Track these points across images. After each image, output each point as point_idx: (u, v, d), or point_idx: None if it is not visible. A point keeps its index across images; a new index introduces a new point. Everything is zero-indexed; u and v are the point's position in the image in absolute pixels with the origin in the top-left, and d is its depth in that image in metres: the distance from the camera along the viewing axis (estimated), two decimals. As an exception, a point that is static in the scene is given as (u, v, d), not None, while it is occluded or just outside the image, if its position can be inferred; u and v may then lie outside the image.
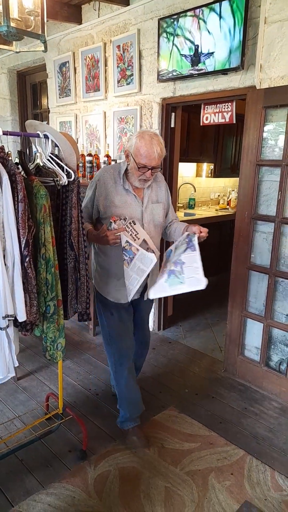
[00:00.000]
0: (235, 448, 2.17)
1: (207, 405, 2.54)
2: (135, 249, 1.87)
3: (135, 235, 1.94)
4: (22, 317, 1.68)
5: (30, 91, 4.82)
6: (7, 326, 1.68)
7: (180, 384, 2.75)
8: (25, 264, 1.66)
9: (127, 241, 1.87)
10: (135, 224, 1.94)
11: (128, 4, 3.12)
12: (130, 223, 1.93)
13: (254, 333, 2.77)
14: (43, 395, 2.54)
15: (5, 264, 1.60)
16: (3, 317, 1.63)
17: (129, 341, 2.17)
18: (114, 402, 1.89)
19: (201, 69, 2.66)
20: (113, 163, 3.52)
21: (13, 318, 1.67)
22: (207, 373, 2.94)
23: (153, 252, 1.93)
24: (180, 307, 3.75)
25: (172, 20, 2.77)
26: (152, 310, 3.12)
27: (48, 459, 2.07)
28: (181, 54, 2.77)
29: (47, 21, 1.67)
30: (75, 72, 3.77)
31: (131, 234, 1.93)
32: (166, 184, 2.13)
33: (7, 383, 2.18)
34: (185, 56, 2.74)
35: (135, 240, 1.93)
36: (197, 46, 2.66)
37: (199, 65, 2.67)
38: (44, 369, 2.89)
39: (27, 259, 1.65)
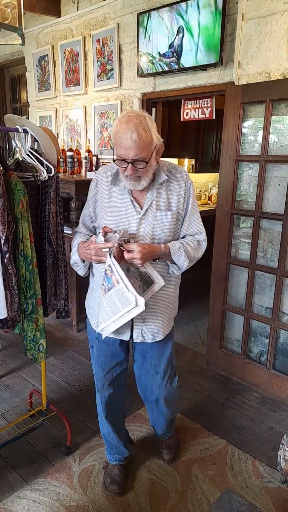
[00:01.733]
0: (218, 439, 2.21)
1: (190, 398, 2.58)
2: (115, 280, 1.42)
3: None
4: (3, 314, 1.67)
5: (9, 84, 4.73)
6: (-12, 324, 1.66)
7: (163, 377, 2.79)
8: (5, 261, 1.65)
9: (110, 265, 1.43)
10: (129, 242, 1.47)
11: (107, -2, 3.10)
12: (124, 240, 1.46)
13: (235, 326, 2.82)
14: (26, 392, 2.53)
15: (-16, 261, 1.59)
16: (-17, 314, 1.61)
17: (114, 389, 1.80)
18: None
19: (181, 64, 2.67)
20: (94, 158, 3.51)
21: (-6, 315, 1.66)
22: (190, 366, 2.98)
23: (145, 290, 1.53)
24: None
25: (151, 14, 2.76)
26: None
27: (32, 455, 2.06)
28: (161, 49, 2.77)
29: (24, 13, 1.65)
30: (54, 66, 3.73)
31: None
32: (188, 186, 1.60)
33: (-11, 381, 2.19)
34: (164, 51, 2.75)
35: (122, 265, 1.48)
36: (176, 41, 2.67)
37: (178, 60, 2.68)
38: (27, 367, 2.87)
39: (7, 255, 1.64)
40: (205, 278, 3.00)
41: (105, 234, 1.48)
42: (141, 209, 1.54)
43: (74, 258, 1.67)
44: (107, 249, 1.43)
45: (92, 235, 1.66)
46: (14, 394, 2.55)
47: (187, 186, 1.60)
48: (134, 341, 1.66)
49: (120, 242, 1.43)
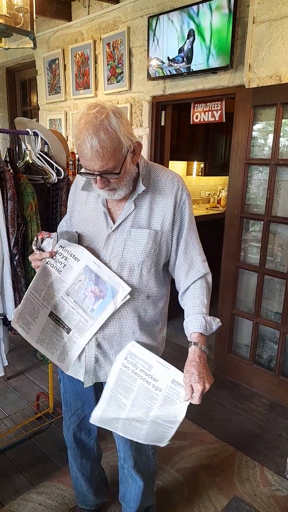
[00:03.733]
0: (225, 445, 2.19)
1: (197, 403, 2.55)
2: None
3: (64, 266, 1.22)
4: (11, 316, 1.67)
5: (19, 88, 4.78)
6: (-4, 325, 1.66)
7: (170, 382, 2.76)
8: (15, 263, 1.66)
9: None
10: (65, 247, 1.22)
11: (117, 2, 3.11)
12: (61, 246, 1.22)
13: (243, 331, 2.79)
14: (33, 394, 2.53)
15: (-6, 263, 1.59)
16: (-8, 316, 1.62)
17: (82, 434, 1.53)
18: None
19: (191, 68, 2.67)
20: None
21: (3, 317, 1.67)
22: (198, 370, 2.95)
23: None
24: (170, 305, 3.74)
25: (162, 18, 2.77)
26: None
27: (39, 458, 2.06)
28: (171, 52, 2.77)
29: (36, 17, 1.66)
30: (64, 69, 3.75)
31: (63, 265, 1.22)
32: (182, 199, 1.24)
33: (-4, 383, 2.20)
34: (174, 55, 2.74)
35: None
36: (186, 44, 2.66)
37: (188, 64, 2.68)
38: (34, 369, 2.87)
39: (17, 257, 1.64)
40: (212, 281, 2.98)
41: (42, 241, 1.25)
42: (114, 224, 1.23)
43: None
44: (45, 260, 1.23)
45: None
46: (21, 396, 2.56)
47: (179, 200, 1.23)
48: (85, 385, 1.34)
49: (61, 245, 1.21)
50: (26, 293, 1.22)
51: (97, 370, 1.31)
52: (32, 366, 2.91)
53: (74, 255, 1.20)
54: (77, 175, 1.37)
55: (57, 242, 1.22)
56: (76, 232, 1.27)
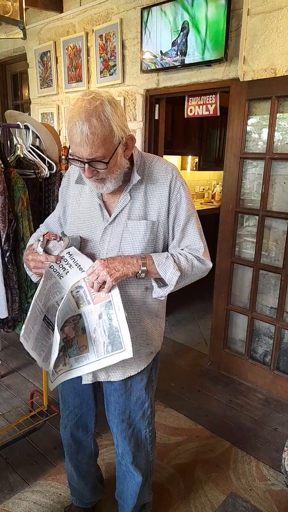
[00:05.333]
0: (221, 440, 2.18)
1: (192, 399, 2.54)
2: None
3: (67, 272, 1.19)
4: (3, 313, 1.64)
5: (10, 81, 4.69)
6: (-12, 323, 1.63)
7: (165, 378, 2.75)
8: (6, 259, 1.62)
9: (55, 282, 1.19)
10: (72, 255, 1.18)
11: (110, -7, 3.06)
12: (69, 252, 1.18)
13: (239, 326, 2.78)
14: (27, 392, 2.50)
15: (-15, 260, 1.56)
16: (-17, 314, 1.58)
17: (79, 432, 1.51)
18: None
19: (185, 61, 2.63)
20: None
21: (-5, 315, 1.64)
22: (193, 366, 2.95)
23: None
24: (166, 301, 3.73)
25: (155, 9, 2.72)
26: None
27: (33, 456, 2.04)
28: (165, 45, 2.73)
29: (26, 8, 1.62)
30: (56, 62, 3.69)
31: (65, 272, 1.19)
32: (176, 187, 1.22)
33: (-10, 381, 2.17)
34: (168, 48, 2.70)
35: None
36: (180, 36, 2.62)
37: (182, 56, 2.64)
38: (28, 366, 2.84)
39: (8, 254, 1.61)
40: (208, 276, 2.97)
41: (47, 242, 1.20)
42: (110, 216, 1.22)
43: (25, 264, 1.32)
44: (49, 263, 1.17)
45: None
46: (15, 394, 2.53)
47: (174, 188, 1.21)
48: (84, 382, 1.31)
49: (69, 252, 1.16)
50: (31, 303, 1.18)
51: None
52: (26, 363, 2.88)
53: (79, 265, 1.17)
54: (69, 168, 1.34)
55: (67, 247, 1.18)
56: (80, 236, 1.24)
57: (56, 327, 1.11)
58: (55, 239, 1.18)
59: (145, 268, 1.15)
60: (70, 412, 1.47)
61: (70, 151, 1.10)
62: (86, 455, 1.57)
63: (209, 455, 2.08)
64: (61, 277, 1.18)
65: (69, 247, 1.18)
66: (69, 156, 1.10)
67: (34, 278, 1.33)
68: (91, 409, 1.46)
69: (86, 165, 1.08)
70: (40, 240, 1.19)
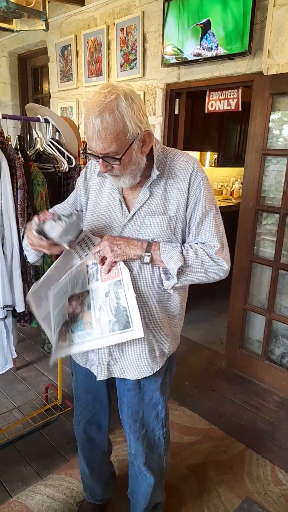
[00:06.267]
0: (235, 442, 2.15)
1: (207, 398, 2.51)
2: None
3: (86, 254, 1.21)
4: (20, 307, 1.64)
5: (31, 75, 4.71)
6: (5, 317, 1.64)
7: (179, 376, 2.73)
8: (24, 253, 1.62)
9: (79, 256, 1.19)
10: (90, 237, 1.21)
11: (132, -15, 3.01)
12: (87, 235, 1.20)
13: (256, 326, 2.73)
14: (42, 385, 2.52)
15: (3, 253, 1.56)
16: (1, 307, 1.59)
17: (92, 430, 1.50)
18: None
19: (207, 54, 2.58)
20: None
21: (12, 309, 1.64)
22: (207, 365, 2.91)
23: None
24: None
25: (178, 2, 2.67)
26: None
27: (47, 450, 2.05)
28: (187, 36, 2.67)
29: (48, 1, 1.60)
30: (77, 56, 3.67)
31: (85, 254, 1.21)
32: (196, 182, 1.17)
33: (6, 373, 2.16)
34: (190, 39, 2.65)
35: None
36: (203, 29, 2.57)
37: (205, 49, 2.58)
38: (43, 360, 2.86)
39: (26, 248, 1.60)
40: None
41: (44, 223, 1.12)
42: (129, 212, 1.21)
43: (25, 239, 1.29)
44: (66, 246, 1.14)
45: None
46: (30, 387, 2.55)
47: (193, 183, 1.17)
48: (98, 378, 1.28)
49: (86, 235, 1.14)
50: (48, 270, 1.18)
51: (111, 364, 1.28)
52: (41, 357, 2.90)
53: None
54: (90, 160, 1.32)
55: (71, 229, 1.14)
56: (78, 213, 1.21)
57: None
58: (52, 219, 1.11)
59: (149, 253, 1.14)
60: (84, 409, 1.47)
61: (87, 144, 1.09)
62: (99, 453, 1.56)
63: (223, 456, 2.05)
64: (81, 258, 1.20)
65: (71, 226, 1.13)
66: (87, 151, 1.09)
67: (31, 259, 1.32)
68: (104, 406, 1.44)
69: (100, 160, 1.07)
70: (35, 221, 1.12)
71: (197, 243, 1.19)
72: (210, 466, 1.98)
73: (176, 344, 1.37)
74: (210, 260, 1.17)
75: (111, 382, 1.39)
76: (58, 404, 2.20)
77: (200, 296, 3.92)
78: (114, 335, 1.14)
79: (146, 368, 1.27)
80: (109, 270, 1.16)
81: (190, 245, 1.19)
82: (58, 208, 1.40)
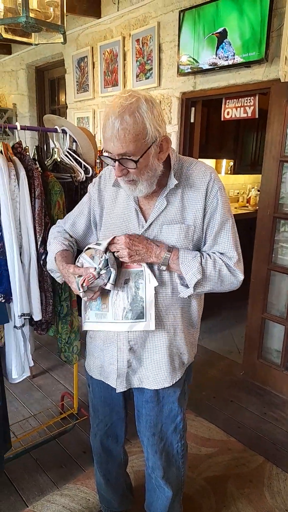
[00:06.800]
0: (254, 455, 2.10)
1: (225, 409, 2.47)
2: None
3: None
4: (38, 316, 1.65)
5: (48, 87, 4.80)
6: (23, 325, 1.65)
7: (197, 386, 2.69)
8: (41, 262, 1.63)
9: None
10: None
11: (148, -4, 3.05)
12: (106, 260, 1.12)
13: (274, 336, 2.68)
14: (58, 394, 2.52)
15: (21, 262, 1.57)
16: (19, 315, 1.60)
17: (109, 442, 1.48)
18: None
19: (223, 61, 2.58)
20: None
21: (29, 317, 1.65)
22: (225, 375, 2.86)
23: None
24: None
25: (194, 12, 2.69)
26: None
27: (63, 459, 2.04)
28: (202, 46, 2.68)
29: (66, 15, 1.63)
30: (93, 67, 3.73)
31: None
32: (213, 192, 1.17)
33: (22, 381, 2.16)
34: (207, 47, 2.66)
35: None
36: (219, 38, 2.57)
37: (221, 58, 2.58)
38: (59, 368, 2.87)
39: (43, 257, 1.62)
40: (242, 284, 2.88)
41: (91, 283, 1.12)
42: (146, 222, 1.19)
43: (50, 264, 1.31)
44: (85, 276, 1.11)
45: (71, 245, 1.31)
46: (46, 395, 2.55)
47: (210, 192, 1.16)
48: (118, 390, 1.27)
49: (107, 258, 1.12)
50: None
51: (130, 375, 1.27)
52: (57, 364, 2.90)
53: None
54: (104, 170, 1.31)
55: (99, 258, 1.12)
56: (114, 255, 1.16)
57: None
58: (93, 279, 1.10)
59: (166, 261, 1.14)
60: (100, 421, 1.45)
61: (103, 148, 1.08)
62: (116, 465, 1.54)
63: (242, 469, 2.00)
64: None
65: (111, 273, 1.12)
66: (103, 154, 1.08)
67: (60, 280, 1.35)
68: (121, 418, 1.43)
69: (116, 163, 1.05)
70: (78, 285, 1.10)
71: (214, 253, 1.18)
72: (229, 479, 1.93)
73: (194, 354, 1.35)
74: (227, 271, 1.16)
75: (127, 394, 1.38)
76: (74, 413, 2.19)
77: (218, 305, 3.88)
78: (126, 323, 1.16)
79: (165, 378, 1.25)
80: None
81: (208, 255, 1.17)
82: (76, 220, 1.34)
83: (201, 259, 1.14)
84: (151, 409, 1.31)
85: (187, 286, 1.16)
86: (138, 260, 1.13)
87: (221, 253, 1.18)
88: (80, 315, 1.91)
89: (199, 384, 2.71)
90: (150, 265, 1.17)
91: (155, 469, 1.39)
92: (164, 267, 1.14)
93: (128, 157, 1.03)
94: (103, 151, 1.09)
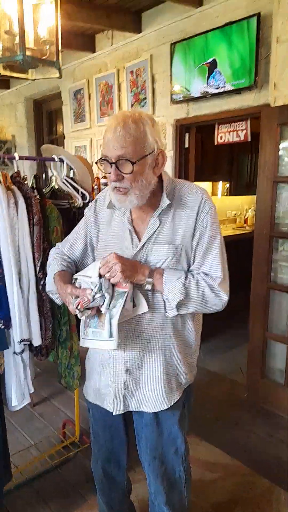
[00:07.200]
0: (261, 479, 2.04)
1: (229, 432, 2.42)
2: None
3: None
4: (37, 341, 1.65)
5: (46, 118, 4.96)
6: (23, 351, 1.65)
7: (200, 408, 2.64)
8: (40, 287, 1.65)
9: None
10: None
11: (140, 31, 3.20)
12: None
13: (277, 355, 2.66)
14: (59, 421, 2.48)
15: (20, 288, 1.59)
16: (18, 341, 1.60)
17: (111, 468, 1.46)
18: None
19: (214, 89, 2.68)
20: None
21: (29, 343, 1.65)
22: (229, 397, 2.82)
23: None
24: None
25: (184, 44, 2.82)
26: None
27: (65, 489, 1.99)
28: (193, 75, 2.80)
29: (62, 51, 1.72)
30: (89, 98, 3.86)
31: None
32: (204, 212, 1.20)
33: (22, 409, 2.13)
34: (198, 77, 2.77)
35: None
36: (210, 68, 2.69)
37: (212, 86, 2.69)
38: (60, 395, 2.83)
39: (42, 282, 1.64)
40: (242, 302, 2.89)
41: (86, 306, 1.14)
42: (139, 242, 1.21)
43: (50, 286, 1.33)
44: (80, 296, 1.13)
45: (69, 266, 1.33)
46: (47, 423, 2.51)
47: (201, 212, 1.18)
48: (114, 412, 1.27)
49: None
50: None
51: (127, 398, 1.26)
52: (58, 392, 2.87)
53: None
54: (100, 194, 1.36)
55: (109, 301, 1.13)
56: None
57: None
58: (88, 302, 1.11)
59: (151, 278, 1.15)
60: (101, 447, 1.43)
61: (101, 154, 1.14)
62: (119, 492, 1.51)
63: (249, 494, 1.95)
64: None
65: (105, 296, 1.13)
66: (100, 161, 1.13)
67: (60, 301, 1.35)
68: (122, 442, 1.41)
69: (113, 166, 1.09)
70: (74, 306, 1.13)
71: (199, 273, 1.20)
72: (236, 505, 1.88)
73: (193, 375, 1.35)
74: (210, 292, 1.17)
75: (128, 418, 1.37)
76: (75, 440, 2.16)
77: (219, 326, 3.86)
78: (108, 341, 1.14)
79: (163, 400, 1.25)
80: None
81: (192, 275, 1.19)
82: (74, 243, 1.37)
83: (185, 280, 1.16)
84: (151, 432, 1.30)
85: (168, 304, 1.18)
86: (129, 275, 1.12)
87: (206, 274, 1.20)
88: (79, 338, 1.91)
89: (203, 407, 2.67)
90: (139, 287, 1.17)
91: (157, 495, 1.36)
92: (149, 286, 1.16)
93: (125, 158, 1.07)
94: (101, 157, 1.13)
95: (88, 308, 1.13)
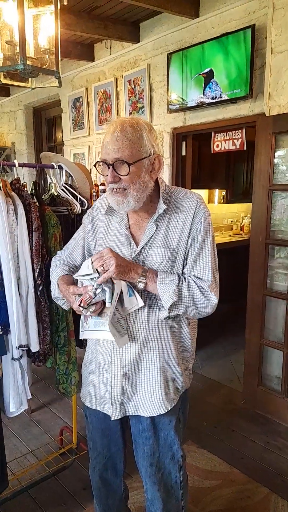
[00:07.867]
0: (259, 486, 2.04)
1: (227, 439, 2.42)
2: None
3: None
4: (35, 347, 1.66)
5: (45, 125, 5.00)
6: (21, 357, 1.65)
7: (197, 416, 2.64)
8: (38, 293, 1.66)
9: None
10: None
11: (138, 41, 3.25)
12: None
13: (274, 362, 2.67)
14: (56, 428, 2.47)
15: (19, 293, 1.60)
16: (16, 347, 1.61)
17: (108, 475, 1.45)
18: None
19: (210, 99, 2.72)
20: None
21: (27, 349, 1.66)
22: (226, 404, 2.82)
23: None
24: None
25: (180, 54, 2.87)
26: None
27: (62, 497, 1.98)
28: (190, 86, 2.84)
29: (61, 59, 1.75)
30: (88, 106, 3.91)
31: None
32: (198, 217, 1.22)
33: (20, 416, 2.13)
34: (194, 87, 2.81)
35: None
36: (206, 78, 2.73)
37: (208, 95, 2.73)
38: (58, 401, 2.82)
39: (40, 288, 1.65)
40: (239, 309, 2.90)
41: (89, 304, 1.15)
42: (137, 247, 1.24)
43: (55, 292, 1.35)
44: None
45: (71, 270, 1.35)
46: (44, 430, 2.50)
47: (196, 218, 1.21)
48: (112, 418, 1.28)
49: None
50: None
51: (124, 402, 1.27)
52: (56, 398, 2.86)
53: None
54: (97, 200, 1.39)
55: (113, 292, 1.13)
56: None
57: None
58: (90, 299, 1.13)
59: (144, 276, 1.17)
60: (99, 454, 1.44)
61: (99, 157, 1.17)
62: (116, 499, 1.51)
63: (247, 502, 1.94)
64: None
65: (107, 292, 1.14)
66: (98, 164, 1.16)
67: (66, 306, 1.37)
68: (120, 449, 1.41)
69: (110, 167, 1.13)
70: (80, 306, 1.13)
71: (190, 276, 1.22)
72: (234, 514, 1.87)
73: (189, 380, 1.36)
74: (200, 294, 1.19)
75: (125, 424, 1.38)
76: (73, 447, 2.15)
77: (216, 333, 3.87)
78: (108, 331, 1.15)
79: (160, 405, 1.26)
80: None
81: (184, 277, 1.21)
82: (73, 250, 1.39)
83: (178, 282, 1.18)
84: (148, 438, 1.30)
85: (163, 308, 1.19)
86: (122, 271, 1.13)
87: (197, 277, 1.21)
88: (77, 345, 1.91)
89: (200, 414, 2.67)
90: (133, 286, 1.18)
91: (154, 501, 1.36)
92: (142, 285, 1.17)
93: (122, 160, 1.11)
94: (99, 160, 1.17)
95: (93, 304, 1.14)
